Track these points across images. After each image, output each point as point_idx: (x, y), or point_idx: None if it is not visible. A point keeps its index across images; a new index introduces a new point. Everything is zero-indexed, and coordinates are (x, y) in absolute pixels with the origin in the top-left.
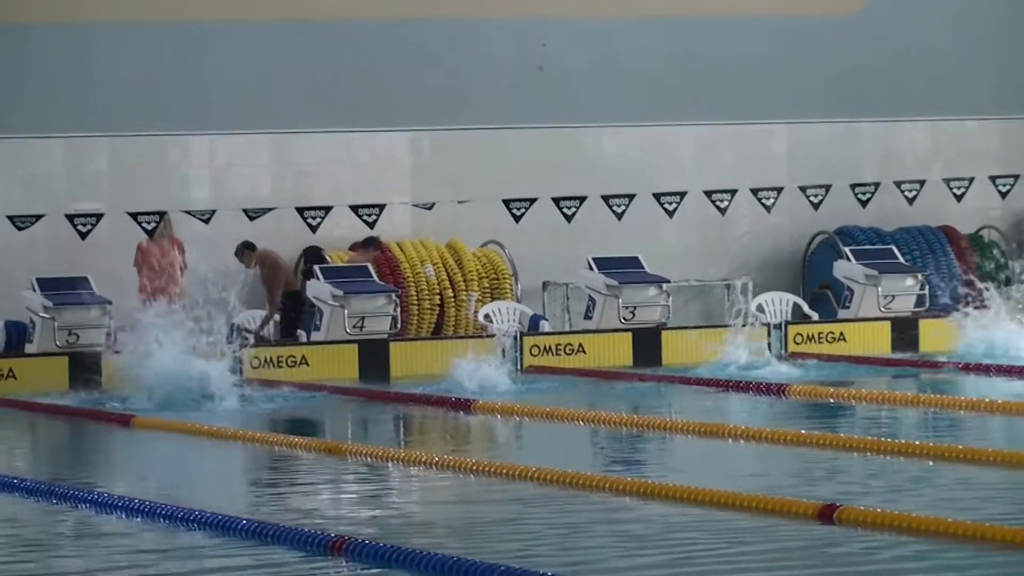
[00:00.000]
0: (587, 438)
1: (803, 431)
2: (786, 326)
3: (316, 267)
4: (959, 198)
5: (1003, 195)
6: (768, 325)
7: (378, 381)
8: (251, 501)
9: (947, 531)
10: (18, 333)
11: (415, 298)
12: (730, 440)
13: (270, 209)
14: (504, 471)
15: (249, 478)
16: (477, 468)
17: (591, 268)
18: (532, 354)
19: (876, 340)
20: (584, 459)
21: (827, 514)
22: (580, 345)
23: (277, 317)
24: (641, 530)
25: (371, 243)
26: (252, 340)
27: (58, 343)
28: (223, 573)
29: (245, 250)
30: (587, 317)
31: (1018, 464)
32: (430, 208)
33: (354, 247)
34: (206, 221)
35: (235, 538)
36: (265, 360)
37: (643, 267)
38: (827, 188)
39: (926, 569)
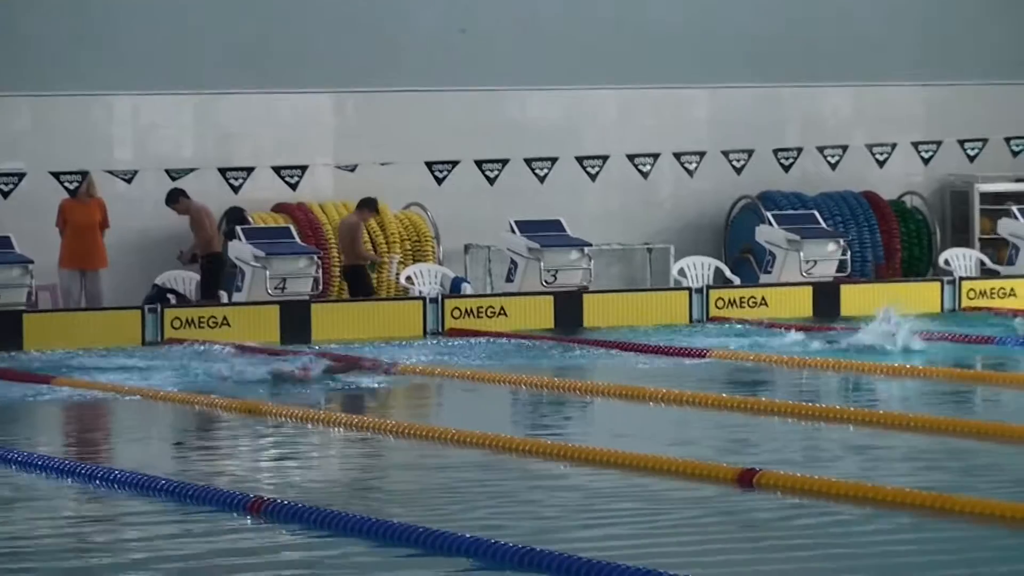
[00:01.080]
0: (508, 401)
1: (724, 395)
2: (708, 290)
3: (238, 228)
4: (881, 164)
5: (925, 161)
6: (690, 289)
7: (299, 342)
8: (171, 461)
9: (867, 496)
10: None
11: (337, 260)
12: (651, 404)
13: (192, 169)
14: (423, 433)
15: (169, 438)
16: (397, 430)
17: (513, 231)
18: (453, 317)
19: (797, 305)
20: (505, 423)
21: (747, 479)
22: (502, 308)
23: (198, 277)
24: (562, 495)
25: (367, 204)
26: (174, 299)
27: None
28: (142, 531)
29: (180, 197)
30: (509, 280)
31: (938, 430)
32: (352, 170)
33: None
34: (128, 181)
35: (155, 498)
36: (186, 321)
37: (565, 230)
38: (750, 153)
39: (845, 534)
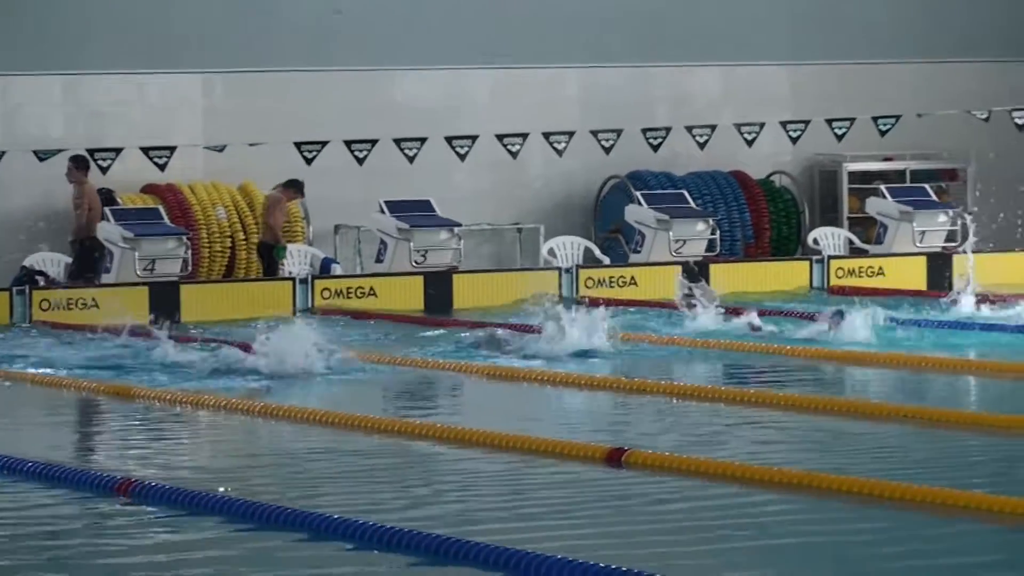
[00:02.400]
0: (378, 382)
1: (595, 375)
2: (577, 270)
3: (107, 209)
4: (750, 143)
5: (794, 140)
6: (559, 269)
7: (169, 323)
8: (39, 443)
9: (737, 475)
10: None
11: (206, 241)
12: (523, 383)
13: (61, 150)
14: (292, 414)
15: (36, 420)
16: (265, 411)
17: (383, 211)
18: (323, 297)
19: (667, 284)
20: (375, 403)
21: (615, 458)
22: (371, 288)
23: (67, 259)
24: (431, 475)
25: (292, 184)
26: (43, 281)
27: None
28: (8, 514)
29: (80, 164)
30: (379, 260)
31: (808, 409)
32: (221, 150)
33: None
34: None
35: (22, 479)
36: (55, 303)
37: (435, 211)
38: (619, 132)
39: (717, 516)
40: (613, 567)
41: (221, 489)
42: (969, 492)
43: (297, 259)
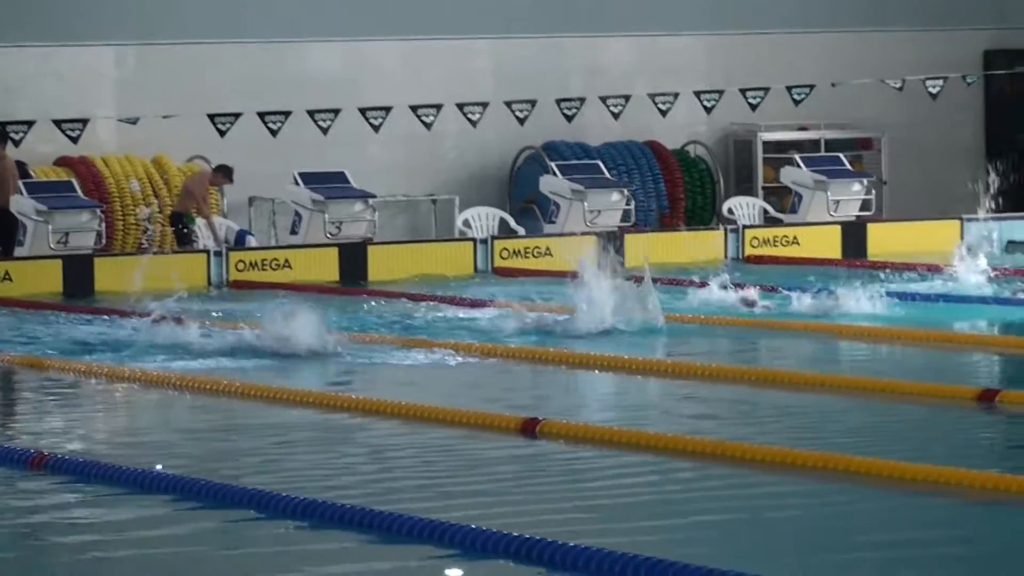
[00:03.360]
0: (294, 353)
1: (511, 345)
2: (492, 241)
3: (20, 182)
4: (664, 113)
5: (708, 111)
6: (474, 240)
7: (82, 296)
8: None
9: (650, 444)
10: None
11: (120, 214)
12: (438, 353)
13: None
14: (208, 387)
15: None
16: (181, 384)
17: (297, 183)
18: (238, 269)
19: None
20: (292, 375)
21: (530, 428)
22: (286, 260)
23: None
24: (348, 447)
25: (221, 170)
26: None
27: None
28: None
29: (6, 141)
30: (293, 232)
31: (727, 378)
32: (135, 123)
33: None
34: None
35: None
36: None
37: (349, 182)
38: (533, 103)
39: (631, 484)
40: (527, 536)
41: (159, 466)
42: (890, 461)
43: (208, 232)
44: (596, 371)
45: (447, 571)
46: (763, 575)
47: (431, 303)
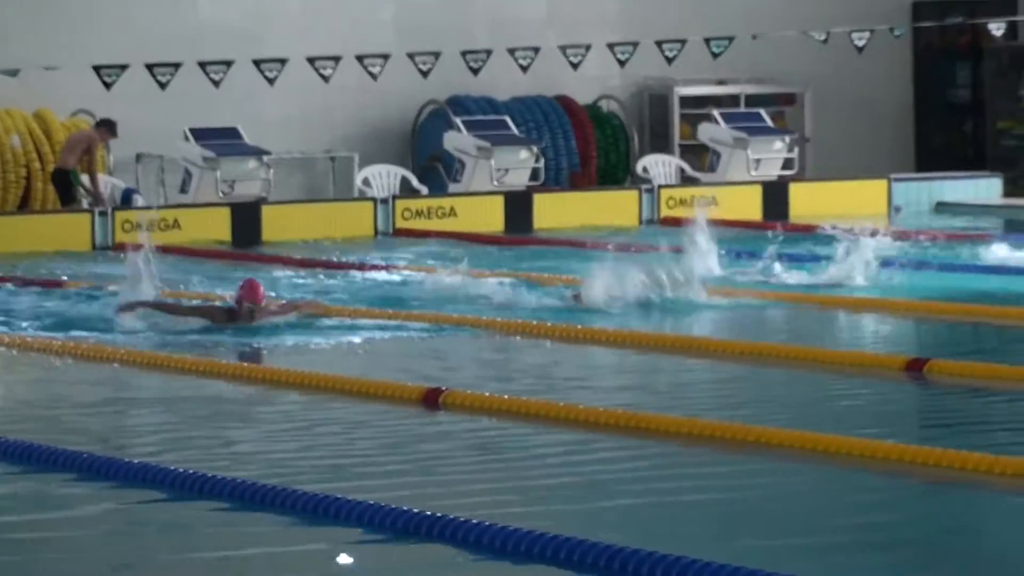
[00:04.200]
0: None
1: (413, 311)
2: (394, 201)
3: None
4: (575, 66)
5: (622, 64)
6: (375, 200)
7: None
8: None
9: (559, 416)
10: None
11: (0, 171)
12: (336, 320)
13: None
14: (90, 354)
15: None
16: (63, 350)
17: (187, 139)
18: (124, 230)
19: (489, 215)
20: (179, 342)
21: (432, 398)
22: (176, 220)
23: None
24: (245, 420)
25: (106, 124)
26: None
27: None
28: None
29: None
30: (183, 191)
31: (639, 345)
32: (14, 75)
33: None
34: None
35: None
36: None
37: (242, 138)
38: (437, 55)
39: (536, 455)
40: (429, 513)
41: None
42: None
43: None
44: (502, 339)
45: (353, 553)
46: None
47: (327, 268)
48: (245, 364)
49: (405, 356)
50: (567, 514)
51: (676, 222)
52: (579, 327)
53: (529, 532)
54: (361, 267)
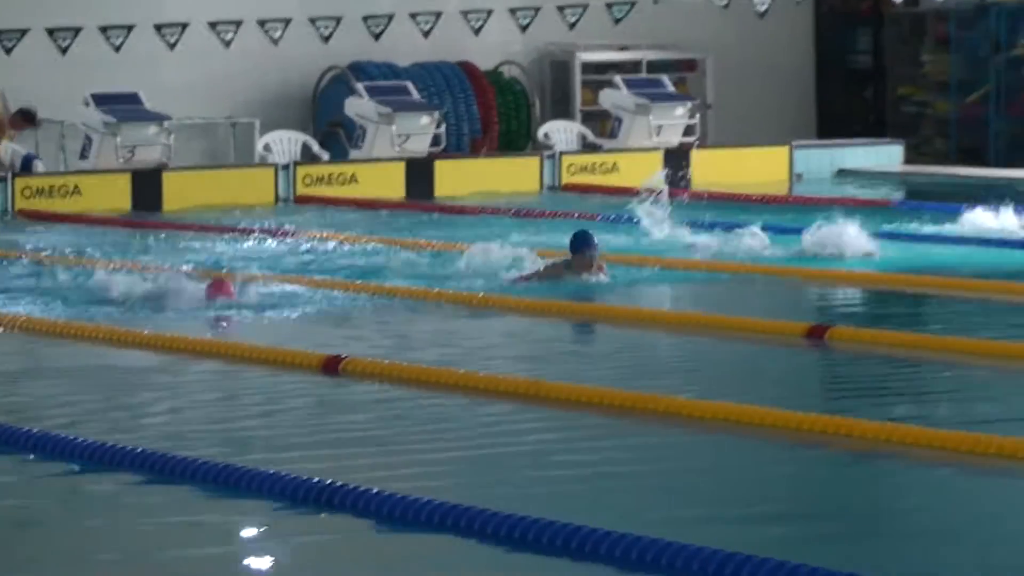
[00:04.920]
0: (82, 284)
1: (315, 277)
2: (295, 167)
3: None
4: (477, 32)
5: (523, 29)
6: (276, 166)
7: None
8: None
9: (459, 383)
10: None
11: None
12: (236, 285)
13: None
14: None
15: None
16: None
17: (87, 104)
18: (25, 196)
19: (390, 182)
20: (80, 308)
21: (332, 366)
22: (76, 186)
23: None
24: (142, 389)
25: (23, 115)
26: None
27: None
28: None
29: None
30: (83, 157)
31: (538, 313)
32: None
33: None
34: None
35: None
36: None
37: (143, 103)
38: (338, 20)
39: (431, 419)
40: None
41: None
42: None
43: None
44: (403, 306)
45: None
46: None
47: (228, 234)
48: (145, 333)
49: (312, 324)
50: (463, 485)
51: (578, 188)
52: (480, 295)
53: (429, 501)
54: (263, 231)
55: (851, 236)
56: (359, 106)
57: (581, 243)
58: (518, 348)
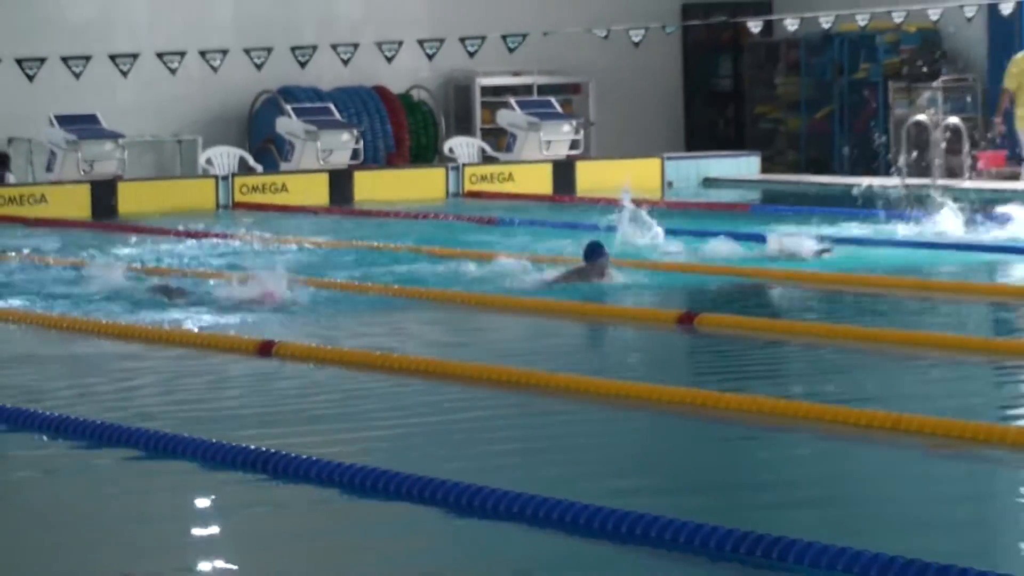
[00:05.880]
0: (34, 276)
1: (250, 272)
2: (233, 177)
3: None
4: (390, 60)
5: (430, 58)
6: (216, 177)
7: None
8: None
9: (380, 365)
10: None
11: None
12: (182, 278)
13: None
14: None
15: None
16: None
17: (52, 124)
18: None
19: (315, 191)
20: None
21: (266, 350)
22: (43, 195)
23: None
24: (90, 368)
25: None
26: None
27: None
28: None
29: None
30: (49, 169)
31: (444, 301)
32: None
33: None
34: None
35: None
36: None
37: (100, 123)
38: (269, 50)
39: (360, 397)
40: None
41: None
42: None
43: None
44: (332, 295)
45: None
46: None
47: (176, 236)
48: (107, 323)
49: (245, 312)
50: (379, 448)
51: (478, 195)
52: (396, 286)
53: (352, 465)
54: (207, 235)
55: (807, 240)
56: (288, 125)
57: (594, 253)
58: (429, 333)
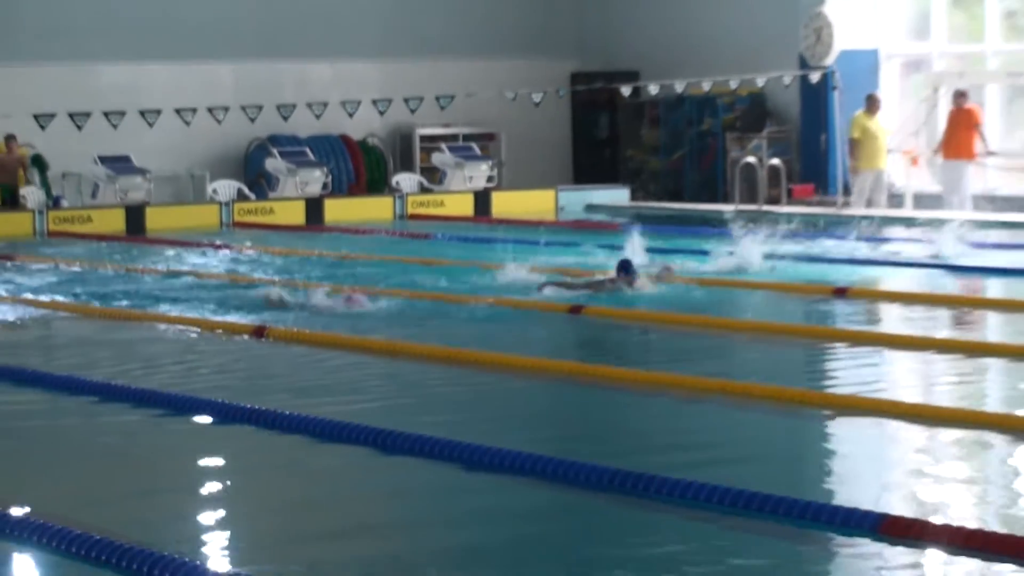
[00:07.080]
0: (48, 275)
1: (243, 273)
2: (233, 203)
3: None
4: (351, 115)
5: (382, 113)
6: (220, 203)
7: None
8: None
9: (358, 346)
10: None
11: None
12: (191, 280)
13: None
14: None
15: None
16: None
17: (96, 163)
18: (55, 224)
19: (295, 214)
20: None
21: (259, 334)
22: (89, 216)
23: None
24: (94, 347)
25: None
26: None
27: None
28: None
29: None
30: (93, 196)
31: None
32: None
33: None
34: None
35: None
36: None
37: (132, 162)
38: (260, 107)
39: (350, 377)
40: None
41: None
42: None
43: (31, 198)
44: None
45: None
46: None
47: (188, 246)
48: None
49: (235, 300)
50: (338, 402)
51: (418, 217)
52: (361, 287)
53: (326, 419)
54: (213, 244)
55: (756, 256)
56: (274, 164)
57: (625, 268)
58: (401, 320)
